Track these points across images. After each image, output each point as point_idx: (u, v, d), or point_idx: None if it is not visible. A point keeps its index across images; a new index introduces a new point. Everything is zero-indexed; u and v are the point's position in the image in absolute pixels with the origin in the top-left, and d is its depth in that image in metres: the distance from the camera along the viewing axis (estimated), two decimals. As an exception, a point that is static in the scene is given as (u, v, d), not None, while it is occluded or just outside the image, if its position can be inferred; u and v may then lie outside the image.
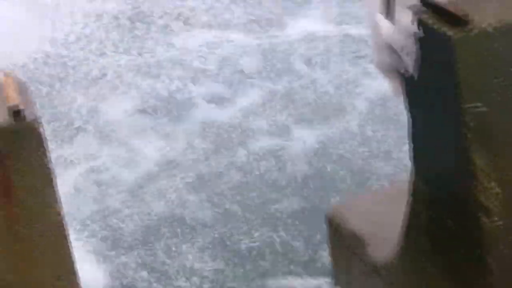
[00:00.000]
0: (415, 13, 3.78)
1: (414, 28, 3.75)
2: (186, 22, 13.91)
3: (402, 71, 3.90)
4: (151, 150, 9.94)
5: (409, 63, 3.80)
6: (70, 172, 9.30)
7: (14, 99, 3.86)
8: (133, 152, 9.96)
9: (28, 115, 3.84)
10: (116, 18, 14.09)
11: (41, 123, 3.91)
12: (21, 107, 3.81)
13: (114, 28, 13.69)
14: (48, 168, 3.90)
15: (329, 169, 9.20)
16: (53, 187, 3.90)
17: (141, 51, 12.97)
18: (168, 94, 11.25)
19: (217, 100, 11.05)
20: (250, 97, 11.05)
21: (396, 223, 4.40)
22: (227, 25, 13.54)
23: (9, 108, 3.79)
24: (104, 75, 11.86)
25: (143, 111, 10.79)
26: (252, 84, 11.37)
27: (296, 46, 12.49)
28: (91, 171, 9.47)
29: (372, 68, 11.03)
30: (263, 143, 9.90)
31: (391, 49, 3.85)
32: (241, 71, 11.84)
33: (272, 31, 13.15)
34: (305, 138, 9.95)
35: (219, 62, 12.18)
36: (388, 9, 3.84)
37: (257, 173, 9.33)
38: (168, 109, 10.86)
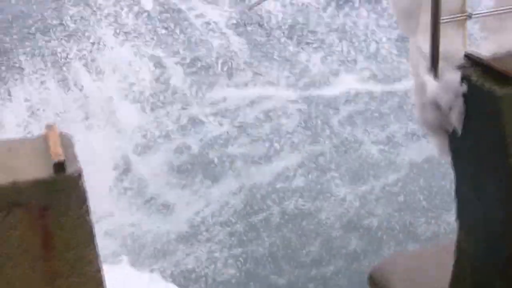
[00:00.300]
0: (461, 70, 3.75)
1: (459, 84, 3.72)
2: (228, 76, 14.08)
3: (447, 127, 3.86)
4: (186, 209, 9.93)
5: (454, 119, 3.76)
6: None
7: (57, 152, 3.86)
8: (168, 209, 9.99)
9: (70, 168, 3.83)
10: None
11: (82, 176, 3.88)
12: (63, 160, 3.81)
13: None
14: (88, 223, 3.87)
15: (368, 231, 9.13)
16: (93, 242, 3.87)
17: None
18: (205, 150, 11.29)
19: (256, 158, 11.05)
20: (289, 156, 11.03)
21: (440, 283, 4.31)
22: (270, 81, 13.67)
23: (52, 162, 3.79)
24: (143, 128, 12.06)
25: (179, 169, 10.82)
26: (292, 142, 11.38)
27: (338, 103, 12.55)
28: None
29: (413, 126, 11.10)
30: (299, 203, 9.84)
31: (436, 106, 3.82)
32: (282, 128, 11.88)
33: (315, 88, 13.26)
34: (344, 198, 9.89)
35: (260, 118, 12.23)
36: (434, 66, 3.81)
37: (293, 235, 9.26)
38: (204, 166, 10.87)
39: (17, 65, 12.83)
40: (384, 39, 14.48)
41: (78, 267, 3.86)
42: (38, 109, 11.65)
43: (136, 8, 14.91)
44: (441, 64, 3.83)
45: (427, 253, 5.16)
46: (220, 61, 13.84)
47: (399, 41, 13.35)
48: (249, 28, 15.10)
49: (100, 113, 11.64)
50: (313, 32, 15.48)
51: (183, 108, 12.39)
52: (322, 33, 15.39)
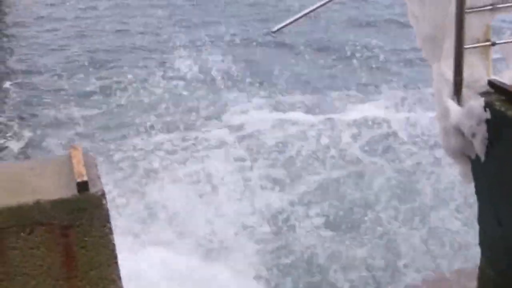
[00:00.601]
0: (484, 96, 3.76)
1: (482, 111, 3.72)
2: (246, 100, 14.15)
3: (470, 153, 3.86)
4: (206, 230, 9.91)
5: (477, 145, 3.76)
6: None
7: (80, 171, 3.89)
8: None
9: (93, 188, 3.85)
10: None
11: (105, 196, 3.91)
12: (87, 180, 3.84)
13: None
14: (111, 242, 3.89)
15: (391, 257, 9.07)
16: (116, 261, 3.88)
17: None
18: (223, 176, 11.26)
19: (273, 184, 11.01)
20: (306, 182, 10.99)
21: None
22: (289, 107, 13.69)
23: (76, 181, 3.82)
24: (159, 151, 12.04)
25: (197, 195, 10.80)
26: (310, 169, 11.35)
27: (356, 130, 12.52)
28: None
29: (432, 154, 11.05)
30: (320, 229, 9.79)
31: (459, 132, 3.82)
32: (299, 154, 11.86)
33: (334, 114, 13.24)
34: (368, 224, 9.84)
35: (278, 144, 12.22)
36: (457, 93, 3.82)
37: (312, 259, 9.22)
38: (223, 190, 10.85)
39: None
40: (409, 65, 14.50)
41: (101, 286, 3.88)
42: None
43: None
44: (464, 90, 3.84)
45: (450, 278, 5.13)
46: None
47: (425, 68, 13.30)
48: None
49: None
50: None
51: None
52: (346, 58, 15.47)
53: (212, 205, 10.15)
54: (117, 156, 11.66)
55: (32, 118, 13.67)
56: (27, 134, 12.92)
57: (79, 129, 12.84)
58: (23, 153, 12.22)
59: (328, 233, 9.60)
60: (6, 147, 12.48)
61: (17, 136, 12.88)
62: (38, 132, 12.93)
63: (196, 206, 10.29)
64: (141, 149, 11.88)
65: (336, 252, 9.24)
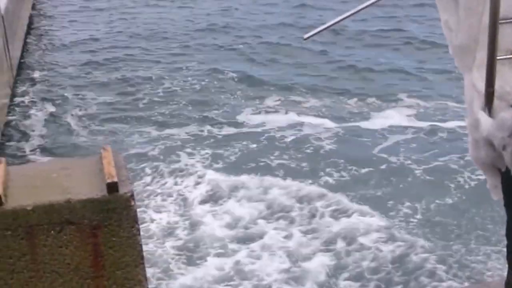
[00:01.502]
0: (515, 108, 3.74)
1: (514, 123, 3.70)
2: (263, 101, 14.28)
3: (500, 166, 3.83)
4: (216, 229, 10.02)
5: (508, 158, 3.73)
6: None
7: (110, 172, 3.92)
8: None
9: (122, 188, 3.89)
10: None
11: (134, 197, 3.94)
12: (116, 181, 3.87)
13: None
14: (138, 243, 3.92)
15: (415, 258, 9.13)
16: (142, 263, 3.92)
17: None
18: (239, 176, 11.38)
19: (294, 179, 11.09)
20: (327, 179, 11.05)
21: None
22: (311, 110, 13.77)
23: (106, 182, 3.86)
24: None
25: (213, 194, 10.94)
26: (331, 165, 11.40)
27: (378, 135, 12.54)
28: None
29: (451, 163, 11.06)
30: (343, 224, 9.86)
31: (489, 144, 3.79)
32: (320, 154, 11.91)
33: (355, 120, 13.28)
34: (392, 217, 9.87)
35: (298, 142, 12.31)
36: (488, 104, 3.79)
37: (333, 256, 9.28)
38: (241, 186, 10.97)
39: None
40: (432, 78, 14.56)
41: (127, 287, 3.91)
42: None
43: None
44: (496, 101, 3.81)
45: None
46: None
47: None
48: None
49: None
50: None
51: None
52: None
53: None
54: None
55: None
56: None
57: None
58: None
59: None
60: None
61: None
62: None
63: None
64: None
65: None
